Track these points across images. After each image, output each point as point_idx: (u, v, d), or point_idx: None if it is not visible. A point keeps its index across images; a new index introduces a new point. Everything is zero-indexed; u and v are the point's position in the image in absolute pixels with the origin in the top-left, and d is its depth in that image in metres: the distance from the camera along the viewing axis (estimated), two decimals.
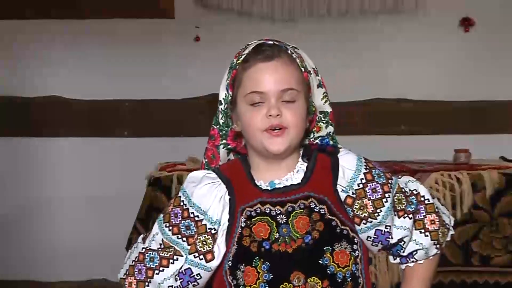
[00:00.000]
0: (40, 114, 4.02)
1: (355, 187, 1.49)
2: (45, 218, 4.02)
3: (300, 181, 1.49)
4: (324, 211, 1.46)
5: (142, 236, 1.57)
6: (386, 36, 3.95)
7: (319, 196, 1.47)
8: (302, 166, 1.51)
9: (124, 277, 1.59)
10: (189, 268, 1.48)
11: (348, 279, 1.45)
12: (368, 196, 1.48)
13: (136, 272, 1.54)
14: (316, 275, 1.43)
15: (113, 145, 4.00)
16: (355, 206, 1.48)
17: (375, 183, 1.50)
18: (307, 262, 1.43)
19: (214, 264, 1.47)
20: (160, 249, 1.50)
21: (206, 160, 1.58)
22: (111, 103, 4.00)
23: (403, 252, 1.54)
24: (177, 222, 1.49)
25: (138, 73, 4.00)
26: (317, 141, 1.57)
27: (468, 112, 3.95)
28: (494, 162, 3.29)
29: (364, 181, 1.49)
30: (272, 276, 1.42)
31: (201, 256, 1.47)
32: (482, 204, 3.07)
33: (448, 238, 1.57)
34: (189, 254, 1.48)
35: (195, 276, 1.48)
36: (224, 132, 1.56)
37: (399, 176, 1.58)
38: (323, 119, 1.56)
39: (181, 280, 1.48)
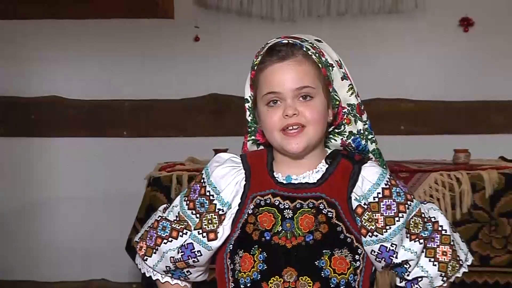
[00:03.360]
0: (40, 114, 4.02)
1: (370, 199, 1.48)
2: (45, 218, 4.02)
3: (315, 181, 1.50)
4: (332, 215, 1.46)
5: (165, 205, 1.61)
6: (385, 36, 3.95)
7: (330, 199, 1.48)
8: (323, 167, 1.52)
9: (138, 240, 1.61)
10: (191, 243, 1.50)
11: (342, 287, 1.44)
12: (382, 212, 1.47)
13: (147, 238, 1.57)
14: (309, 275, 1.43)
15: (113, 145, 4.00)
16: (363, 217, 1.47)
17: (391, 200, 1.48)
18: (303, 261, 1.43)
19: (215, 244, 1.49)
20: (174, 221, 1.54)
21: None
22: (111, 103, 4.00)
23: (408, 275, 1.53)
24: (194, 197, 1.53)
25: (138, 73, 4.00)
26: (349, 140, 1.57)
27: (468, 112, 3.95)
28: (494, 162, 3.29)
29: (380, 195, 1.48)
30: (266, 267, 1.44)
31: (204, 234, 1.49)
32: (481, 204, 3.07)
33: (459, 275, 1.55)
34: (194, 229, 1.51)
35: (196, 253, 1.51)
36: (253, 128, 1.59)
37: (425, 202, 1.57)
38: (351, 111, 1.56)
39: (182, 253, 1.51)
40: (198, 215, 1.51)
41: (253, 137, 1.59)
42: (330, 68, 1.55)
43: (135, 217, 3.14)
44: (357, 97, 1.57)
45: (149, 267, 1.58)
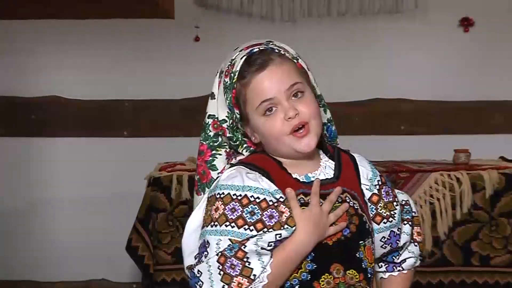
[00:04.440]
0: (40, 114, 4.02)
1: (376, 187, 1.53)
2: (45, 218, 4.02)
3: (332, 176, 1.51)
4: (357, 206, 1.49)
5: (189, 265, 1.45)
6: (386, 36, 3.95)
7: (351, 192, 1.50)
8: (327, 162, 1.53)
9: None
10: (286, 237, 1.42)
11: (371, 276, 1.48)
12: (383, 198, 1.52)
13: (231, 271, 1.40)
14: (354, 268, 1.45)
15: (113, 145, 4.00)
16: (379, 204, 1.52)
17: (387, 186, 1.55)
18: (346, 255, 1.45)
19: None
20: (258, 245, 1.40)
21: (198, 177, 1.55)
22: (111, 103, 4.00)
23: (398, 258, 1.58)
24: (238, 215, 1.41)
25: (138, 73, 4.00)
26: (325, 132, 1.58)
27: (468, 112, 3.95)
28: (494, 162, 3.29)
29: (380, 183, 1.54)
30: (315, 266, 1.43)
31: (286, 226, 1.42)
32: (482, 204, 3.07)
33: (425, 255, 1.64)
34: (272, 231, 1.41)
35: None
36: (240, 139, 1.54)
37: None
38: (320, 102, 1.56)
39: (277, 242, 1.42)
40: (252, 227, 1.40)
41: (245, 145, 1.55)
42: (299, 60, 1.54)
43: (135, 217, 3.14)
44: (318, 88, 1.57)
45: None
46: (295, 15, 3.88)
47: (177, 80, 3.98)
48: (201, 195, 1.54)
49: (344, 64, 3.86)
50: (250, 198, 1.42)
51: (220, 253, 1.39)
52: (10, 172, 4.03)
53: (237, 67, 1.49)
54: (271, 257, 1.40)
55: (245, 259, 1.38)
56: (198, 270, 1.41)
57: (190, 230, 1.50)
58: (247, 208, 1.41)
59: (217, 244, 1.40)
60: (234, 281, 1.37)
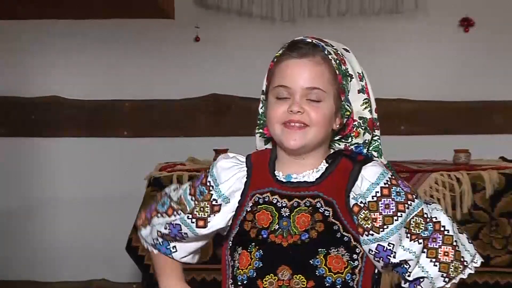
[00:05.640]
0: (40, 114, 4.02)
1: (369, 198, 1.47)
2: (45, 218, 4.02)
3: (314, 180, 1.50)
4: (329, 213, 1.46)
5: (175, 186, 1.65)
6: (386, 36, 3.95)
7: (327, 198, 1.47)
8: (323, 167, 1.52)
9: (141, 210, 1.70)
10: (179, 224, 1.54)
11: (338, 286, 1.44)
12: (380, 211, 1.46)
13: (148, 209, 1.64)
14: (303, 274, 1.43)
15: (113, 145, 4.00)
16: (360, 215, 1.46)
17: (390, 199, 1.47)
18: (297, 259, 1.44)
19: (203, 232, 1.54)
20: (175, 201, 1.58)
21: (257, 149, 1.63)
22: (111, 103, 4.00)
23: (409, 276, 1.51)
24: (196, 185, 1.57)
25: (138, 73, 4.00)
26: (352, 147, 1.57)
27: (468, 112, 3.95)
28: (494, 162, 3.29)
29: (379, 194, 1.47)
30: (261, 264, 1.44)
31: (194, 220, 1.53)
32: (482, 204, 3.07)
33: (464, 276, 1.54)
34: (186, 213, 1.55)
35: (182, 234, 1.56)
36: (262, 122, 1.58)
37: (430, 203, 1.55)
38: (362, 124, 1.56)
39: (170, 231, 1.56)
40: (196, 202, 1.55)
41: (260, 130, 1.59)
42: (349, 78, 1.54)
43: (135, 217, 3.14)
44: (372, 112, 1.56)
45: (142, 238, 1.64)
46: (295, 15, 3.88)
47: (177, 80, 3.98)
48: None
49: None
50: (208, 182, 1.55)
51: (165, 194, 1.64)
52: (10, 172, 4.03)
53: (285, 45, 1.53)
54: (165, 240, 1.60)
55: (154, 215, 1.61)
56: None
57: None
58: (201, 186, 1.56)
59: (180, 188, 1.63)
60: (141, 214, 1.65)
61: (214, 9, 3.93)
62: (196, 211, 1.53)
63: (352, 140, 1.57)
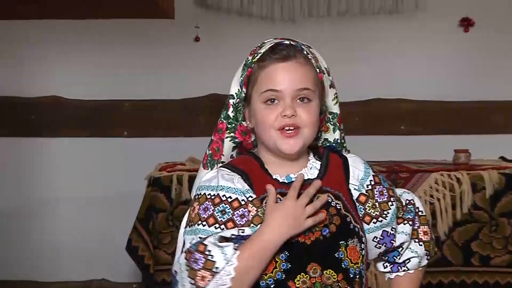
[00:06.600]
0: (40, 114, 4.02)
1: (365, 188, 1.53)
2: (45, 218, 4.02)
3: (316, 176, 1.51)
4: (340, 206, 1.49)
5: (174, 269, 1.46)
6: (386, 36, 3.95)
7: (335, 192, 1.50)
8: (314, 163, 1.54)
9: (192, 276, 1.41)
10: (248, 235, 1.43)
11: (357, 276, 1.47)
12: (376, 198, 1.53)
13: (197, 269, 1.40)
14: (332, 268, 1.45)
15: (113, 145, 4.00)
16: (367, 204, 1.52)
17: (381, 186, 1.55)
18: (324, 255, 1.45)
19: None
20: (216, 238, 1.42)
21: (210, 152, 1.59)
22: (111, 103, 4.00)
23: (399, 258, 1.58)
24: (210, 213, 1.44)
25: (138, 73, 4.00)
26: (327, 144, 1.61)
27: (468, 112, 3.95)
28: (494, 162, 3.29)
29: (373, 183, 1.54)
30: (290, 265, 1.44)
31: (251, 224, 1.44)
32: (482, 204, 3.07)
33: (434, 254, 1.62)
34: (245, 227, 1.43)
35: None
36: (233, 125, 1.58)
37: (393, 187, 1.62)
38: (331, 120, 1.60)
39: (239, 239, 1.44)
40: (222, 226, 1.43)
41: (232, 134, 1.58)
42: (326, 74, 1.56)
43: (135, 217, 3.14)
44: (339, 106, 1.60)
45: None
46: (295, 15, 3.89)
47: (177, 80, 3.98)
48: (207, 170, 1.57)
49: (344, 64, 3.84)
50: (222, 197, 1.45)
51: (187, 250, 1.41)
52: (10, 172, 4.03)
53: (262, 50, 1.52)
54: (235, 249, 1.39)
55: (206, 252, 1.38)
56: (175, 270, 1.43)
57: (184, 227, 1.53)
58: (218, 207, 1.44)
59: (190, 242, 1.43)
60: (198, 275, 1.37)
61: (214, 9, 3.93)
62: (244, 218, 1.43)
63: (321, 135, 1.60)
